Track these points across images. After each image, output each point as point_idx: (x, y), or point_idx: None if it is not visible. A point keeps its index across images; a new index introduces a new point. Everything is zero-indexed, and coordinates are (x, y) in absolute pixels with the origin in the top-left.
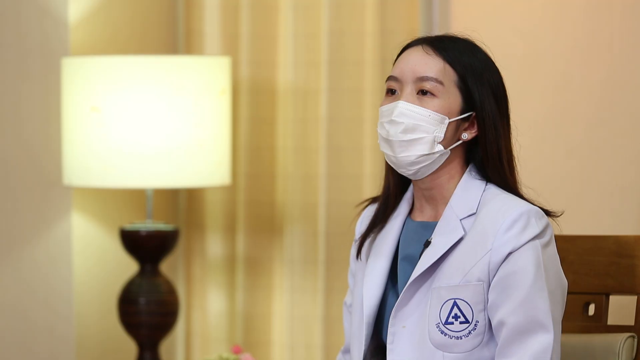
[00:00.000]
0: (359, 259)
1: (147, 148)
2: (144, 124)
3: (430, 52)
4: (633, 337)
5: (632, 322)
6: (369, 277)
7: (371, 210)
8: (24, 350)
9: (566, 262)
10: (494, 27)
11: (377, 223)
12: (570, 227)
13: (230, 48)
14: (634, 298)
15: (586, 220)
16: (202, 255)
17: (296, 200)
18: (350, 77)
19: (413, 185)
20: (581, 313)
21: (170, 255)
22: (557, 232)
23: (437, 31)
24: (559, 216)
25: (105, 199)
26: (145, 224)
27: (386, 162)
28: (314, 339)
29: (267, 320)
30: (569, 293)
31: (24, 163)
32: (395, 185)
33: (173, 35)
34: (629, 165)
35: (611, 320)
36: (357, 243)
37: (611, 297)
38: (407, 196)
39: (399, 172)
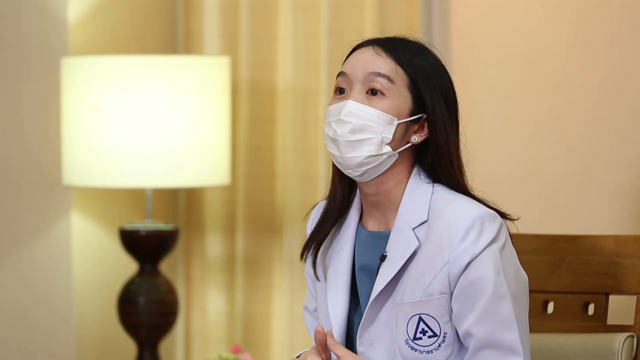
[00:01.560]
0: (314, 272)
1: (147, 148)
2: (144, 124)
3: (381, 52)
4: (632, 336)
5: (631, 322)
6: (332, 294)
7: (319, 208)
8: (24, 350)
9: (565, 262)
10: (493, 27)
11: (327, 224)
12: (569, 226)
13: (229, 48)
14: (634, 298)
15: (586, 220)
16: (201, 255)
17: (295, 200)
18: None
19: (359, 191)
20: (580, 313)
21: (170, 255)
22: (513, 231)
23: (437, 31)
24: (515, 220)
25: (104, 199)
26: (145, 224)
27: (333, 165)
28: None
29: (267, 320)
30: (568, 293)
31: (23, 163)
32: (343, 189)
33: (172, 35)
34: (629, 164)
35: (610, 320)
36: (306, 242)
37: (610, 297)
38: (356, 202)
39: (345, 173)
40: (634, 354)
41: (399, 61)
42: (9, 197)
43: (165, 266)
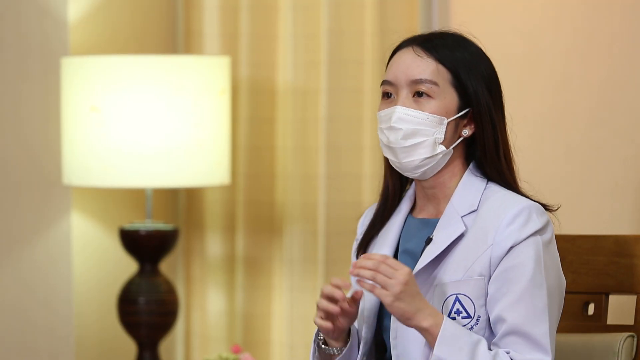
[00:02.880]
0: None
1: (147, 148)
2: (144, 124)
3: (421, 53)
4: (632, 336)
5: (631, 322)
6: None
7: (373, 209)
8: (24, 350)
9: (566, 262)
10: (493, 26)
11: (378, 222)
12: (569, 226)
13: (229, 48)
14: (634, 297)
15: (586, 220)
16: (201, 255)
17: (296, 200)
18: (350, 77)
19: (415, 184)
20: (581, 313)
21: (170, 255)
22: (557, 229)
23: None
24: (556, 210)
25: (104, 199)
26: (145, 224)
27: (386, 163)
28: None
29: (267, 320)
30: (568, 292)
31: (23, 163)
32: (395, 185)
33: (172, 35)
34: (629, 164)
35: (610, 319)
36: (359, 242)
37: (611, 297)
38: (409, 194)
39: (405, 175)
40: (634, 354)
41: (440, 59)
42: (9, 197)
43: (165, 266)
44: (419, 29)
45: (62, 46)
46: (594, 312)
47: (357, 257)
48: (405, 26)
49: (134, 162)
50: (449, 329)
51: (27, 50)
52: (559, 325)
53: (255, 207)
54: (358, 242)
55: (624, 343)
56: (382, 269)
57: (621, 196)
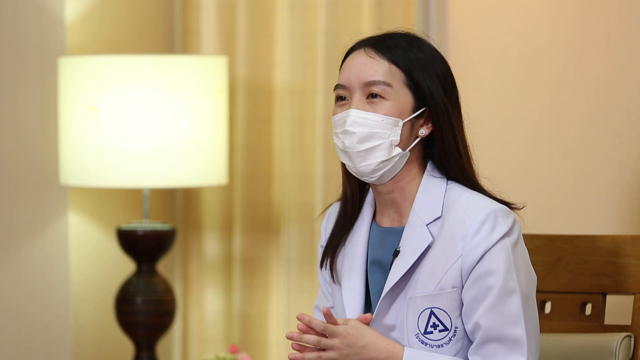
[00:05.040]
0: (324, 269)
1: (144, 147)
2: (141, 124)
3: (374, 54)
4: (630, 336)
5: (629, 322)
6: (348, 291)
7: (335, 210)
8: (21, 350)
9: (563, 262)
10: (491, 26)
11: (339, 230)
12: (567, 226)
13: (227, 48)
14: (631, 298)
15: (583, 220)
16: (199, 254)
17: (293, 199)
18: None
19: (373, 190)
20: (578, 313)
21: (167, 255)
22: (523, 229)
23: (435, 31)
24: (521, 209)
25: (102, 199)
26: (142, 224)
27: (343, 168)
28: None
29: (264, 320)
30: (565, 293)
31: (21, 162)
32: (353, 191)
33: (170, 34)
34: (626, 164)
35: (608, 320)
36: (324, 249)
37: (608, 297)
38: (369, 199)
39: (361, 180)
40: (631, 354)
41: (393, 60)
42: (7, 197)
43: (163, 266)
44: (416, 29)
45: (59, 46)
46: (591, 312)
47: (323, 265)
48: (403, 26)
49: (132, 162)
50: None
51: (24, 50)
52: (555, 325)
53: (252, 207)
54: (323, 248)
55: (621, 343)
56: (322, 344)
57: (618, 196)
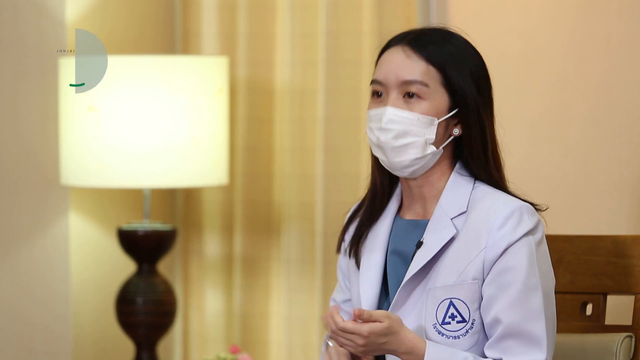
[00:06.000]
0: (347, 256)
1: (145, 148)
2: (141, 124)
3: (410, 53)
4: (630, 337)
5: (629, 322)
6: (365, 277)
7: (355, 212)
8: (21, 350)
9: (563, 262)
10: (491, 26)
11: (366, 220)
12: (567, 226)
13: (227, 48)
14: (632, 298)
15: (583, 220)
16: (199, 255)
17: (293, 200)
18: (348, 77)
19: (402, 183)
20: (578, 313)
21: (168, 255)
22: (545, 230)
23: None
24: (545, 210)
25: (102, 199)
26: (143, 224)
27: (374, 161)
28: (311, 339)
29: (265, 320)
30: (566, 293)
31: (21, 163)
32: (383, 183)
33: (170, 35)
34: (626, 164)
35: (608, 320)
36: (348, 242)
37: (608, 297)
38: (397, 193)
39: (394, 174)
40: (631, 355)
41: (429, 58)
42: (7, 197)
43: (163, 266)
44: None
45: (59, 46)
46: (592, 313)
47: (350, 256)
48: (403, 26)
49: (132, 162)
50: (431, 356)
51: (24, 49)
52: (556, 325)
53: (253, 207)
54: (347, 243)
55: (622, 343)
56: (340, 340)
57: (619, 196)
